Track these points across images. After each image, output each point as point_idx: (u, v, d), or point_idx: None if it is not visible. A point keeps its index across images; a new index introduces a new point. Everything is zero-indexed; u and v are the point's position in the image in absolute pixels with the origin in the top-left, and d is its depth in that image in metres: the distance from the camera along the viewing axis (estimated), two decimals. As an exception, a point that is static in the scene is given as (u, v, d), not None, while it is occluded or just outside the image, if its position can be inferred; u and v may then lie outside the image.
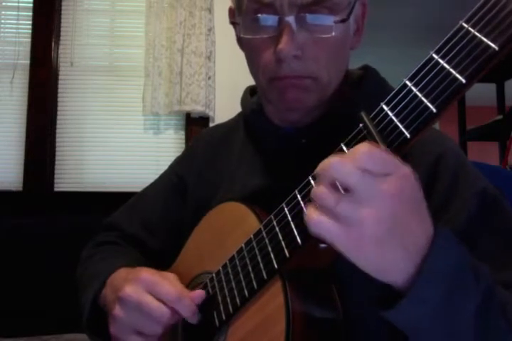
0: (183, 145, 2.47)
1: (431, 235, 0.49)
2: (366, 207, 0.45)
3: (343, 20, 0.69)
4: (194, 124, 2.46)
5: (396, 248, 0.47)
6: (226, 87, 2.43)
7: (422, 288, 0.48)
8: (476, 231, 0.66)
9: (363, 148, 0.46)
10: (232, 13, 0.80)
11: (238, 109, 0.91)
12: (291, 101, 0.72)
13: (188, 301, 0.67)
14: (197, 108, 2.36)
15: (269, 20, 0.69)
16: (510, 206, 0.71)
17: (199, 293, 0.68)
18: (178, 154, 1.02)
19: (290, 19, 0.67)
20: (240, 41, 0.79)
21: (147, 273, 0.69)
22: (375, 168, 0.45)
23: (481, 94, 3.81)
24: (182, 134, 2.50)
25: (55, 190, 2.42)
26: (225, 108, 2.33)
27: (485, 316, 0.51)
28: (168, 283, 0.68)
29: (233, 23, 0.76)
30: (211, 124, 2.41)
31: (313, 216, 0.48)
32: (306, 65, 0.70)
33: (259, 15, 0.69)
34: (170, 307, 0.66)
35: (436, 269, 0.48)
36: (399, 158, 0.47)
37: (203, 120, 2.45)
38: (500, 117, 2.73)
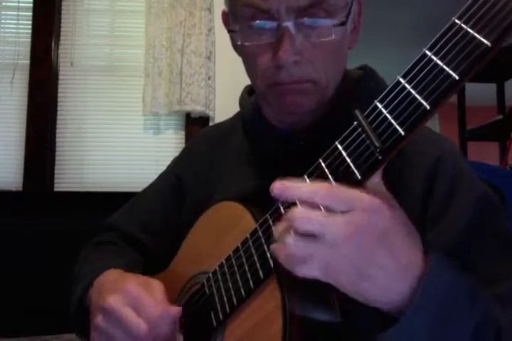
0: (183, 145, 2.46)
1: (409, 267, 0.50)
2: (336, 248, 0.48)
3: (341, 23, 0.68)
4: (194, 124, 2.46)
5: (367, 282, 0.49)
6: (226, 87, 2.43)
7: (407, 322, 0.50)
8: (472, 238, 0.66)
9: (320, 186, 0.49)
10: (225, 17, 0.79)
11: (238, 108, 0.91)
12: (291, 105, 0.72)
13: (167, 320, 0.66)
14: (197, 108, 2.36)
15: (266, 26, 0.68)
16: (506, 211, 0.70)
17: (176, 311, 0.68)
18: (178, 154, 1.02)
19: (288, 24, 0.66)
20: (236, 47, 0.78)
21: (132, 286, 0.69)
22: (336, 206, 0.48)
23: (481, 94, 3.81)
24: (182, 134, 2.50)
25: (55, 190, 2.42)
26: (225, 108, 2.32)
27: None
28: (150, 298, 0.67)
29: (230, 30, 0.75)
30: (211, 124, 2.41)
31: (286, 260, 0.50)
32: (305, 70, 0.69)
33: (256, 21, 0.68)
34: (148, 324, 0.65)
35: (423, 303, 0.49)
36: (362, 190, 0.49)
37: (203, 120, 2.45)
38: (500, 117, 2.73)
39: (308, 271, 0.49)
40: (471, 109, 3.35)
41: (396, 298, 0.50)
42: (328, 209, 0.48)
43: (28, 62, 2.45)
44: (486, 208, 0.68)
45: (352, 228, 0.47)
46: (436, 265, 0.51)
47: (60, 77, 2.49)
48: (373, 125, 0.49)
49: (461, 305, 0.51)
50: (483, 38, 0.42)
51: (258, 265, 0.62)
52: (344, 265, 0.48)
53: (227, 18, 0.78)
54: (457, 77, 0.43)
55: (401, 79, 0.48)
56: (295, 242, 0.49)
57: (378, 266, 0.49)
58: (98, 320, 0.68)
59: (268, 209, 0.61)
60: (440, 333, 0.50)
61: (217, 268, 0.69)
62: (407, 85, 0.47)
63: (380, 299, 0.51)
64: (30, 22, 2.47)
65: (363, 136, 0.50)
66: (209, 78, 2.42)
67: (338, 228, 0.47)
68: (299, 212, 0.49)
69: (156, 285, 0.71)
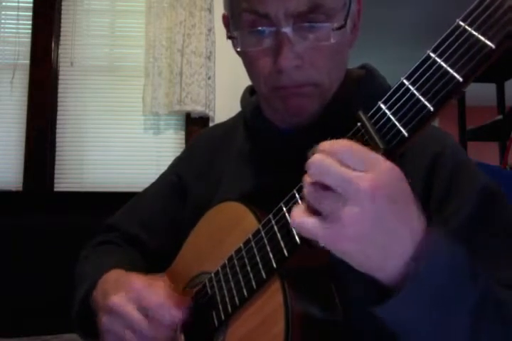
0: (183, 145, 2.46)
1: (419, 235, 0.49)
2: (348, 205, 0.45)
3: (340, 27, 0.68)
4: (194, 124, 2.46)
5: (377, 247, 0.47)
6: (226, 87, 2.43)
7: (410, 292, 0.48)
8: (475, 229, 0.66)
9: (343, 143, 0.47)
10: (226, 20, 0.79)
11: (238, 108, 0.91)
12: (294, 108, 0.72)
13: (167, 315, 0.65)
14: (197, 108, 2.36)
15: (266, 32, 0.69)
16: (510, 203, 0.70)
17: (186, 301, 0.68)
18: (178, 154, 1.02)
19: (287, 30, 0.66)
20: (239, 51, 0.78)
21: (135, 282, 0.69)
22: (356, 164, 0.46)
23: (481, 94, 3.81)
24: (182, 134, 2.50)
25: (55, 190, 2.41)
26: (225, 108, 2.33)
27: (480, 317, 0.50)
28: (153, 293, 0.67)
29: (230, 37, 0.76)
30: (211, 124, 2.41)
31: (295, 215, 0.49)
32: (307, 73, 0.69)
33: (257, 28, 0.69)
34: (151, 320, 0.65)
35: (426, 273, 0.48)
36: (382, 156, 0.47)
37: (203, 120, 2.45)
38: (500, 117, 2.74)
39: (312, 227, 0.47)
40: (471, 109, 3.35)
41: (398, 265, 0.48)
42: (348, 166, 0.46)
43: (28, 62, 2.44)
44: (488, 199, 0.68)
45: (372, 190, 0.45)
46: (439, 236, 0.49)
47: (60, 77, 2.49)
48: (377, 126, 0.50)
49: (460, 282, 0.50)
50: (488, 40, 0.42)
51: (260, 265, 0.62)
52: (359, 225, 0.46)
53: (228, 22, 0.78)
54: (461, 79, 0.44)
55: (405, 81, 0.48)
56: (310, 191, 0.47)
57: (388, 230, 0.47)
58: (104, 320, 0.69)
59: (270, 207, 0.62)
60: (442, 305, 0.49)
61: (219, 268, 0.69)
62: (411, 87, 0.47)
63: (383, 266, 0.48)
64: (30, 22, 2.47)
65: (367, 137, 0.50)
66: (209, 78, 2.42)
67: (358, 186, 0.45)
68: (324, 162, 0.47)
69: (160, 281, 0.70)
